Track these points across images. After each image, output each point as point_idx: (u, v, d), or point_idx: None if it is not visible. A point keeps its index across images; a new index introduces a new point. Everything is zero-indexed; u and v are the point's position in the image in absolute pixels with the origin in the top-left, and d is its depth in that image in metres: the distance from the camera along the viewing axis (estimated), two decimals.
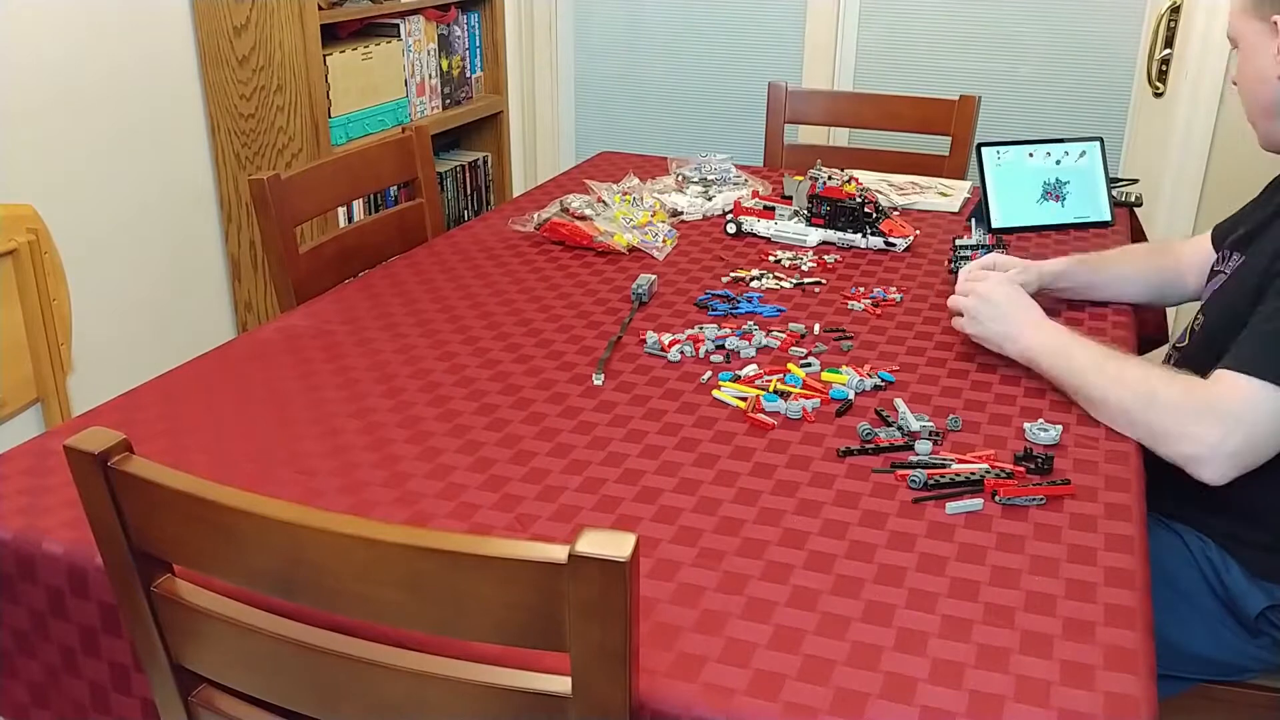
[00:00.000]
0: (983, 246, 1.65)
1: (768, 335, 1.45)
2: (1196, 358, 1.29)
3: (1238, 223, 1.46)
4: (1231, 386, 1.14)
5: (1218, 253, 1.50)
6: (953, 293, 1.41)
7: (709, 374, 1.35)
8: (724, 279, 1.67)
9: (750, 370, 1.35)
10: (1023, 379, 1.34)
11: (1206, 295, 1.41)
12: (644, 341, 1.43)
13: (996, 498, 1.07)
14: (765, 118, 2.46)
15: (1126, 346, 1.44)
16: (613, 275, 1.69)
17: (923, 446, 1.16)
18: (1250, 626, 1.28)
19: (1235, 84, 1.36)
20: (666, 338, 1.44)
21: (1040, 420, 1.21)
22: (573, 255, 1.78)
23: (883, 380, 1.32)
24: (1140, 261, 1.59)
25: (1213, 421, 1.13)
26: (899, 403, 1.27)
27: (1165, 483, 1.25)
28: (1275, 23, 1.24)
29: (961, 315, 1.38)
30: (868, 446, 1.17)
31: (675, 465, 1.15)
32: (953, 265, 1.65)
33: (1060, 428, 1.19)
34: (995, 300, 1.34)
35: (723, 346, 1.42)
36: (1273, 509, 1.26)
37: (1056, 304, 1.54)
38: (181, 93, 2.44)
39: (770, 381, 1.31)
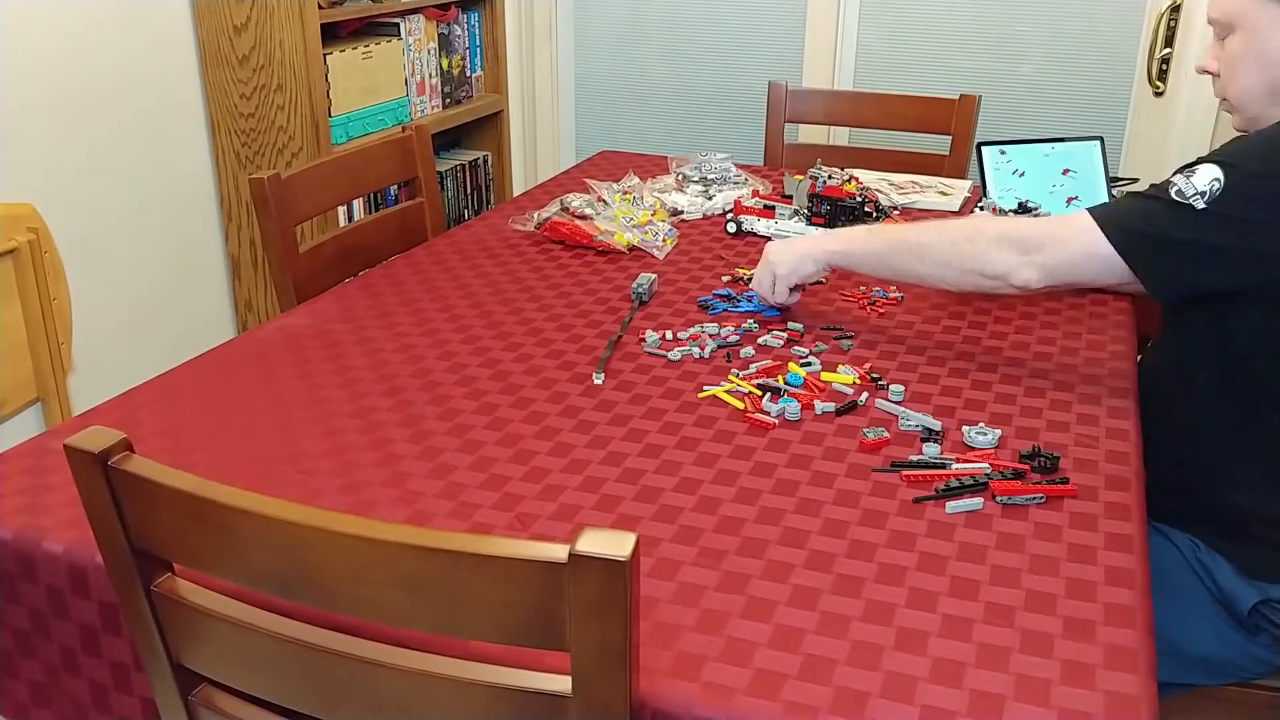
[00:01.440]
0: None
1: (768, 334, 1.45)
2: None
3: None
4: (1071, 216, 1.27)
5: None
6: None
7: (712, 363, 1.35)
8: (724, 278, 1.67)
9: (763, 364, 1.35)
10: (1023, 378, 1.34)
11: None
12: (644, 340, 1.43)
13: (996, 498, 1.07)
14: (765, 117, 2.46)
15: (1126, 345, 1.44)
16: (613, 274, 1.69)
17: (930, 449, 1.16)
18: (1247, 624, 1.28)
19: (1209, 71, 1.35)
20: (668, 334, 1.44)
21: (980, 424, 1.21)
22: (573, 254, 1.78)
23: (874, 380, 1.32)
24: None
25: (1041, 235, 1.27)
26: (880, 403, 1.27)
27: (1155, 488, 1.25)
28: None
29: (766, 280, 1.50)
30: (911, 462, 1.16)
31: (675, 464, 1.15)
32: None
33: (999, 432, 1.19)
34: (774, 247, 1.49)
35: (723, 346, 1.42)
36: (1259, 509, 1.26)
37: (1055, 304, 1.54)
38: (181, 92, 2.44)
39: (774, 379, 1.31)
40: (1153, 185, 1.24)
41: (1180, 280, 1.22)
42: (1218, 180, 1.17)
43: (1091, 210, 1.26)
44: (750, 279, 1.57)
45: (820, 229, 1.81)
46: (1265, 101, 1.30)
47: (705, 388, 1.31)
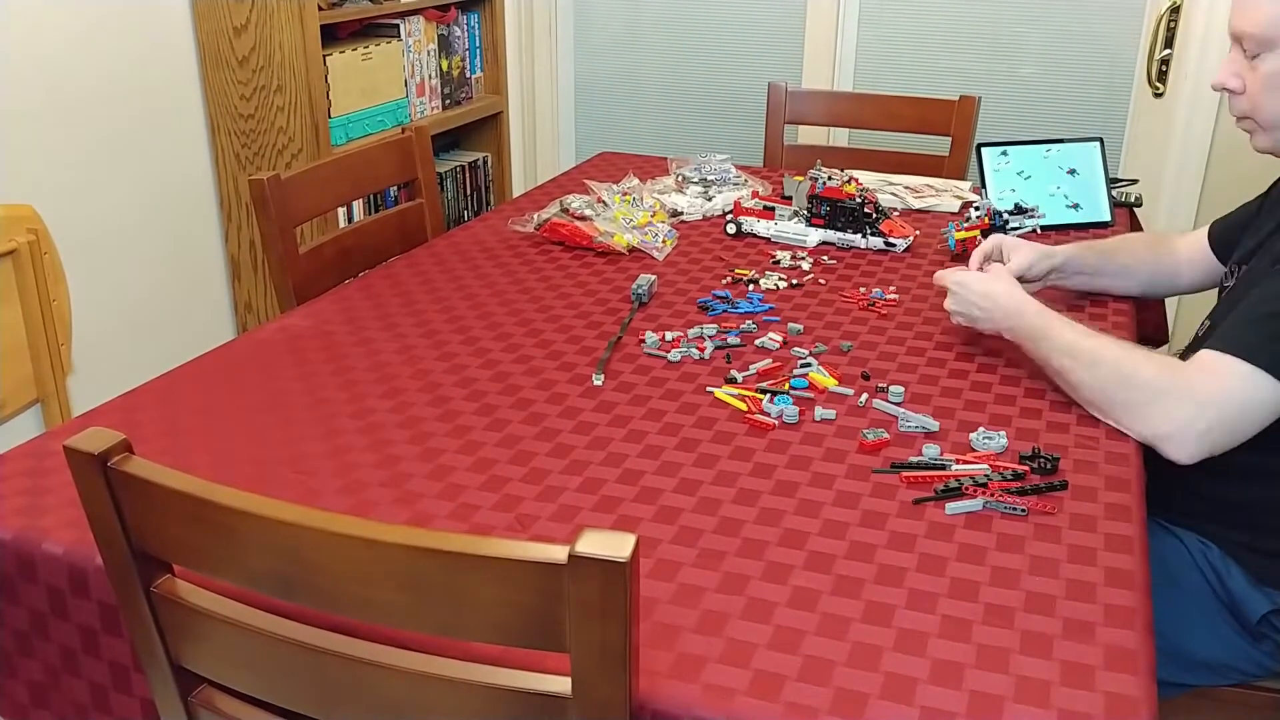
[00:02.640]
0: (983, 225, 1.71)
1: (767, 335, 1.45)
2: None
3: (1240, 227, 1.46)
4: (1209, 365, 1.15)
5: (1218, 251, 1.50)
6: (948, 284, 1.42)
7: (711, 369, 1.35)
8: (724, 279, 1.67)
9: (763, 363, 1.35)
10: (1023, 379, 1.34)
11: (1215, 307, 1.42)
12: (643, 341, 1.43)
13: (986, 504, 1.07)
14: (765, 118, 2.46)
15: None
16: (612, 275, 1.69)
17: (930, 450, 1.16)
18: (1253, 631, 1.28)
19: (1230, 89, 1.30)
20: (669, 335, 1.44)
21: (982, 429, 1.21)
22: (573, 256, 1.78)
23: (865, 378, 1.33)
24: (1139, 252, 1.60)
25: (1186, 399, 1.14)
26: (880, 404, 1.27)
27: (1168, 488, 1.25)
28: None
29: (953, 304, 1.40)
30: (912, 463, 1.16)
31: (675, 465, 1.15)
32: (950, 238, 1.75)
33: (1004, 434, 1.19)
34: (981, 291, 1.35)
35: (723, 347, 1.42)
36: (1275, 515, 1.26)
37: (1054, 301, 1.54)
38: (181, 93, 2.44)
39: (778, 382, 1.31)
40: (1268, 297, 1.18)
41: None
42: None
43: (1215, 347, 1.15)
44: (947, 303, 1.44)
45: (821, 230, 1.81)
46: None
47: (710, 388, 1.31)
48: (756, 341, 1.44)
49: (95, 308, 2.28)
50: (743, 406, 1.26)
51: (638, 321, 1.52)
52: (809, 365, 1.36)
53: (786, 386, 1.30)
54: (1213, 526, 1.31)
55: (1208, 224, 1.57)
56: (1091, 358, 1.22)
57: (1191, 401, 1.14)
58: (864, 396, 1.29)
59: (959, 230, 1.73)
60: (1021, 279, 1.43)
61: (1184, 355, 1.39)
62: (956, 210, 1.99)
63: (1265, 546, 1.27)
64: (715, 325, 1.49)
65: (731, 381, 1.32)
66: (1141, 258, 1.59)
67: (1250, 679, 1.33)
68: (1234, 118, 1.33)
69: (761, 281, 1.65)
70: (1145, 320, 1.75)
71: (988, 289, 1.35)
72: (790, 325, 1.49)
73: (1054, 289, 1.57)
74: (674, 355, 1.39)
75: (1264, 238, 1.35)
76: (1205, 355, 1.16)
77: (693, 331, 1.46)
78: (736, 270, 1.71)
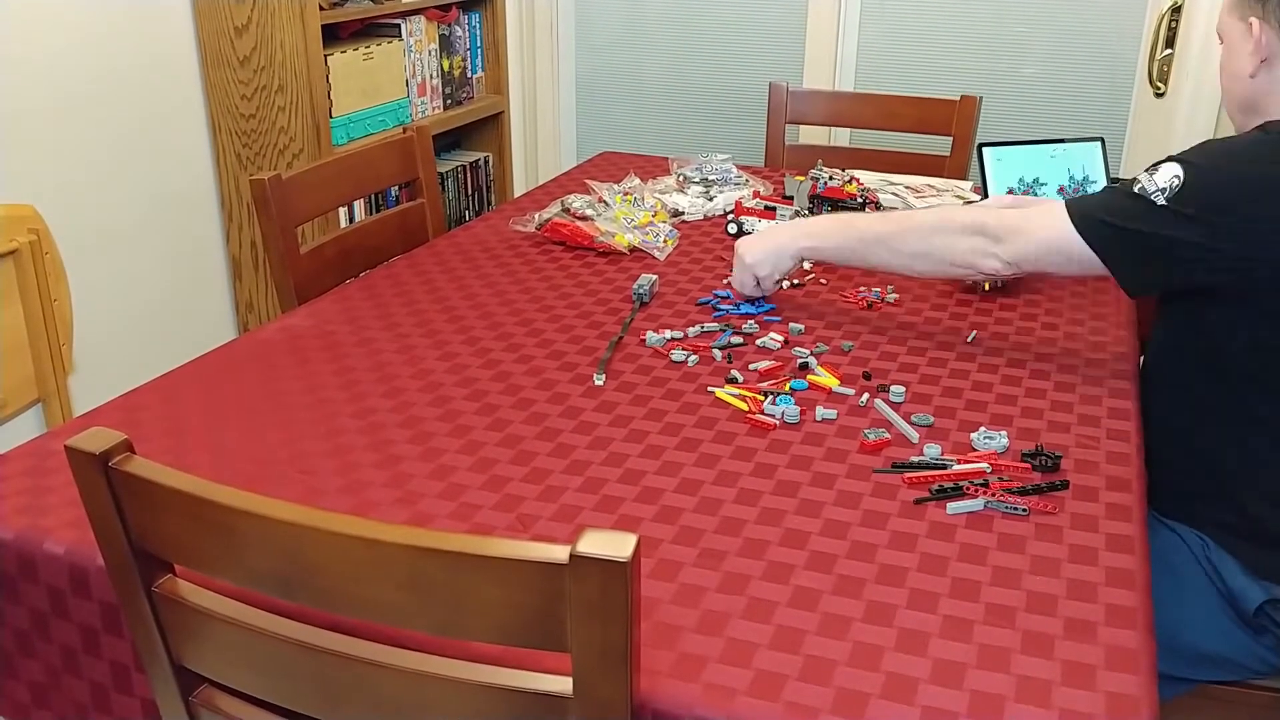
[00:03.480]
0: None
1: (768, 335, 1.45)
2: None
3: None
4: (1044, 209, 1.29)
5: None
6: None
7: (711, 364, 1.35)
8: (725, 280, 1.67)
9: (764, 363, 1.35)
10: (1024, 379, 1.34)
11: None
12: (644, 340, 1.43)
13: (987, 503, 1.07)
14: (766, 118, 2.46)
15: (1126, 345, 1.44)
16: (614, 275, 1.69)
17: (931, 450, 1.16)
18: (1253, 623, 1.28)
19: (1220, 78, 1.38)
20: (669, 334, 1.44)
21: (983, 429, 1.21)
22: (574, 255, 1.78)
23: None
24: None
25: (1008, 225, 1.30)
26: (879, 404, 1.27)
27: (1165, 483, 1.26)
28: (1251, 24, 1.26)
29: (749, 282, 1.53)
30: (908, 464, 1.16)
31: (676, 465, 1.15)
32: None
33: (1005, 434, 1.19)
34: (748, 244, 1.52)
35: (725, 346, 1.42)
36: (1267, 508, 1.26)
37: (1055, 304, 1.54)
38: (182, 93, 2.44)
39: (778, 383, 1.31)
40: (1122, 180, 1.27)
41: (1144, 274, 1.24)
42: (1177, 177, 1.19)
43: (1066, 201, 1.28)
44: (730, 280, 1.59)
45: None
46: (1240, 114, 1.34)
47: (711, 388, 1.31)
48: (757, 341, 1.44)
49: (96, 307, 2.28)
50: (744, 406, 1.26)
51: (639, 321, 1.52)
52: (809, 365, 1.36)
53: (787, 388, 1.30)
54: (1209, 520, 1.31)
55: None
56: (900, 218, 1.40)
57: (1012, 228, 1.30)
58: (865, 396, 1.29)
59: None
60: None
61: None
62: None
63: (1258, 535, 1.28)
64: (716, 325, 1.49)
65: (732, 381, 1.32)
66: None
67: (1255, 674, 1.33)
68: None
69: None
70: (1146, 320, 1.74)
71: (750, 240, 1.52)
72: (791, 325, 1.49)
73: (1056, 287, 1.56)
74: (676, 354, 1.39)
75: None
76: (1057, 209, 1.28)
77: (692, 330, 1.46)
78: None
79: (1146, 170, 1.23)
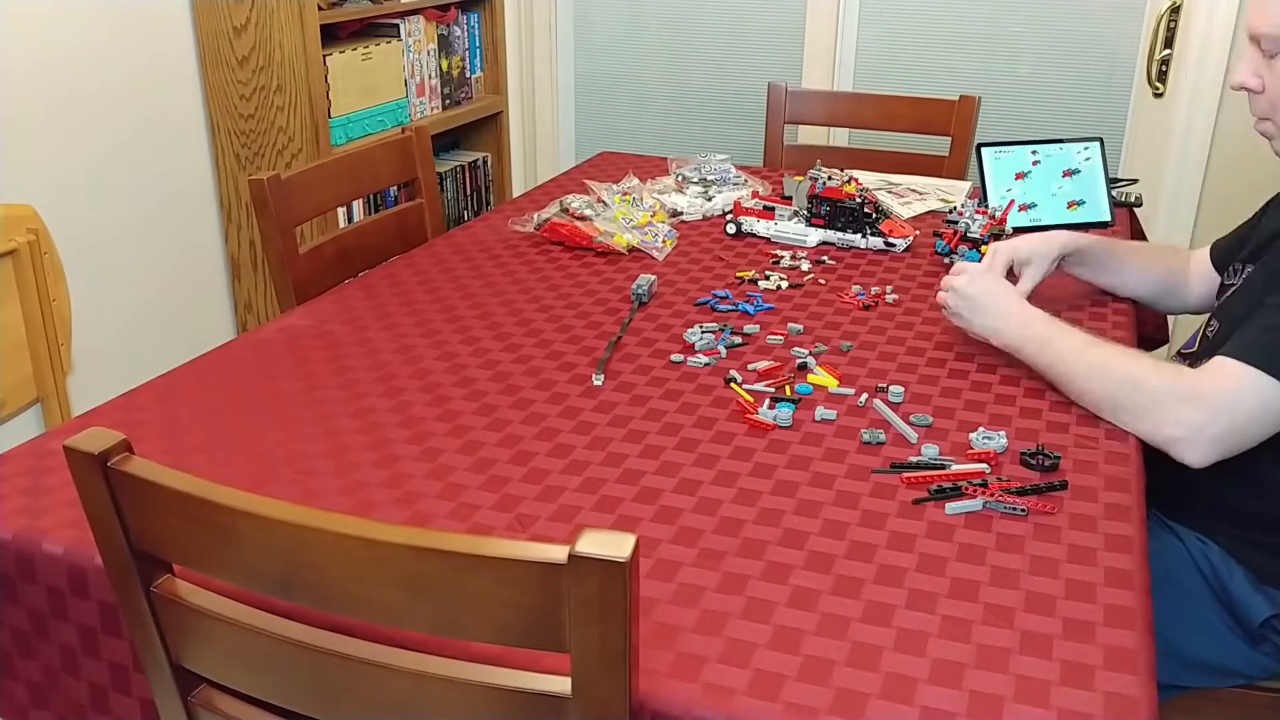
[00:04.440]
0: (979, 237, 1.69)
1: (767, 335, 1.45)
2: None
3: (1241, 240, 1.46)
4: (1223, 372, 1.15)
5: (1219, 270, 1.50)
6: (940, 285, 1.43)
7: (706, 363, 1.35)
8: (724, 280, 1.67)
9: (763, 363, 1.35)
10: (1022, 379, 1.34)
11: (1218, 305, 1.41)
12: (647, 342, 1.43)
13: (986, 504, 1.07)
14: (765, 118, 2.46)
15: (1126, 346, 1.44)
16: (612, 275, 1.69)
17: (929, 450, 1.16)
18: (1252, 634, 1.28)
19: (1250, 89, 1.29)
20: (696, 336, 1.43)
21: (982, 429, 1.21)
22: (572, 255, 1.78)
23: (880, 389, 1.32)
24: (1155, 259, 1.59)
25: (1199, 404, 1.15)
26: (879, 404, 1.27)
27: (1169, 484, 1.25)
28: None
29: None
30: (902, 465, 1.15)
31: (675, 465, 1.15)
32: (948, 252, 1.73)
33: (1004, 433, 1.19)
34: (970, 295, 1.35)
35: (731, 346, 1.42)
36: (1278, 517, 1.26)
37: (1055, 301, 1.54)
38: (181, 93, 2.44)
39: (779, 385, 1.31)
40: (1264, 310, 1.19)
41: None
42: None
43: (1230, 354, 1.16)
44: (942, 301, 1.41)
45: (821, 230, 1.81)
46: None
47: (730, 378, 1.31)
48: (757, 342, 1.44)
49: (95, 307, 2.28)
50: (750, 399, 1.26)
51: (638, 321, 1.52)
52: (808, 365, 1.36)
53: (789, 391, 1.30)
54: (1214, 523, 1.30)
55: (1208, 225, 1.57)
56: (1096, 367, 1.23)
57: (1203, 406, 1.14)
58: (864, 396, 1.29)
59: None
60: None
61: (1193, 357, 1.39)
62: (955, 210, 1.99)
63: (1270, 545, 1.27)
64: (716, 324, 1.49)
65: (731, 382, 1.32)
66: (1155, 263, 1.57)
67: (1249, 680, 1.33)
68: (1253, 119, 1.32)
69: (761, 282, 1.65)
70: (1145, 320, 1.75)
71: (978, 291, 1.35)
72: (790, 325, 1.49)
73: (1057, 289, 1.56)
74: (675, 356, 1.39)
75: (1265, 240, 1.35)
76: (1219, 361, 1.17)
77: (690, 333, 1.46)
78: (738, 272, 1.71)
79: None
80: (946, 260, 1.73)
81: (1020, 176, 1.89)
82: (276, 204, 1.70)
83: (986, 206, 1.78)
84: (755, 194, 1.97)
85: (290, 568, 0.77)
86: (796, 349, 1.42)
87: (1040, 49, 2.71)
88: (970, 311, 1.36)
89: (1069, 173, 1.90)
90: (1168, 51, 2.53)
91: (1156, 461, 1.18)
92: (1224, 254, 1.50)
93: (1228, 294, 1.40)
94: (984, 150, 1.89)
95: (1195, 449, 1.15)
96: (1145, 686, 0.84)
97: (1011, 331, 1.32)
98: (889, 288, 1.63)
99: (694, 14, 3.00)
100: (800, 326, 1.49)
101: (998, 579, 0.96)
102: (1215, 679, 1.32)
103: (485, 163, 3.15)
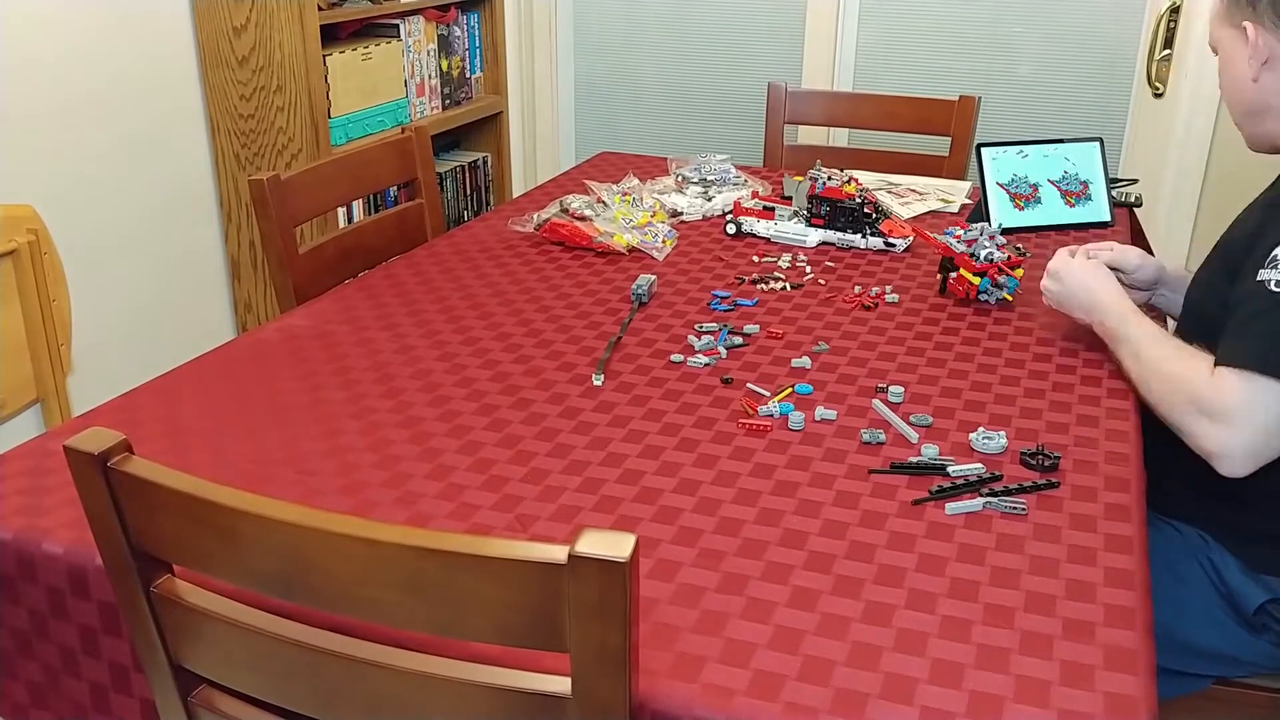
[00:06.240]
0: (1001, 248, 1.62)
1: (766, 336, 1.45)
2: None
3: None
4: (1231, 385, 1.15)
5: None
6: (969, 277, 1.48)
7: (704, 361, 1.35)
8: (724, 280, 1.67)
9: (763, 364, 1.35)
10: (1022, 379, 1.34)
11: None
12: (647, 342, 1.43)
13: (986, 503, 1.07)
14: (765, 118, 2.46)
15: None
16: (612, 275, 1.69)
17: (929, 450, 1.16)
18: (1251, 623, 1.28)
19: (1220, 89, 1.37)
20: (699, 338, 1.43)
21: (982, 429, 1.21)
22: (572, 256, 1.78)
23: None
24: None
25: (1220, 422, 1.15)
26: (879, 404, 1.27)
27: (1166, 481, 1.26)
28: (1245, 28, 1.26)
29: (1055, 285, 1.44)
30: (902, 466, 1.15)
31: (675, 466, 1.15)
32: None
33: (1004, 434, 1.19)
34: (1067, 287, 1.42)
35: (733, 346, 1.42)
36: (1271, 503, 1.26)
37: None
38: (181, 93, 2.44)
39: (782, 391, 1.31)
40: (1244, 300, 1.20)
41: None
42: None
43: (1230, 363, 1.16)
44: (1045, 289, 1.47)
45: (821, 230, 1.81)
46: (1248, 121, 1.33)
47: (746, 383, 1.31)
48: (757, 342, 1.44)
49: (95, 308, 2.28)
50: (764, 392, 1.26)
51: (638, 322, 1.52)
52: (807, 365, 1.36)
53: (790, 390, 1.30)
54: (1210, 518, 1.31)
55: (1208, 224, 1.58)
56: (1154, 369, 1.25)
57: (1226, 425, 1.15)
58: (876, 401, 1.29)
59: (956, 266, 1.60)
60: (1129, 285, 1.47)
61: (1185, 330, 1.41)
62: (956, 210, 1.99)
63: (1261, 534, 1.28)
64: (716, 325, 1.49)
65: (727, 383, 1.32)
66: None
67: (1256, 670, 1.33)
68: None
69: (764, 283, 1.65)
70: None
71: (1084, 280, 1.40)
72: (790, 326, 1.49)
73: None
74: (675, 356, 1.39)
75: (1251, 228, 1.36)
76: (1225, 375, 1.16)
77: (691, 339, 1.46)
78: (737, 271, 1.71)
79: (1266, 267, 1.18)
80: (994, 301, 1.59)
81: (1015, 174, 1.89)
82: (276, 204, 1.70)
83: (990, 230, 1.69)
84: (755, 194, 1.97)
85: (290, 568, 0.77)
86: (795, 361, 1.41)
87: (1040, 49, 2.71)
88: (1075, 295, 1.41)
89: (1068, 173, 1.90)
90: (1167, 52, 2.53)
91: (1154, 462, 1.19)
92: None
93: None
94: (984, 150, 1.89)
95: (1231, 464, 1.16)
96: (1145, 686, 0.84)
97: (1099, 317, 1.37)
98: (889, 287, 1.63)
99: (694, 14, 3.00)
100: (826, 345, 1.47)
101: (998, 579, 0.96)
102: (1222, 668, 1.33)
103: (485, 163, 3.16)
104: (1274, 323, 1.15)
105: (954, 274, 1.57)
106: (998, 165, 1.89)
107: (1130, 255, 1.49)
